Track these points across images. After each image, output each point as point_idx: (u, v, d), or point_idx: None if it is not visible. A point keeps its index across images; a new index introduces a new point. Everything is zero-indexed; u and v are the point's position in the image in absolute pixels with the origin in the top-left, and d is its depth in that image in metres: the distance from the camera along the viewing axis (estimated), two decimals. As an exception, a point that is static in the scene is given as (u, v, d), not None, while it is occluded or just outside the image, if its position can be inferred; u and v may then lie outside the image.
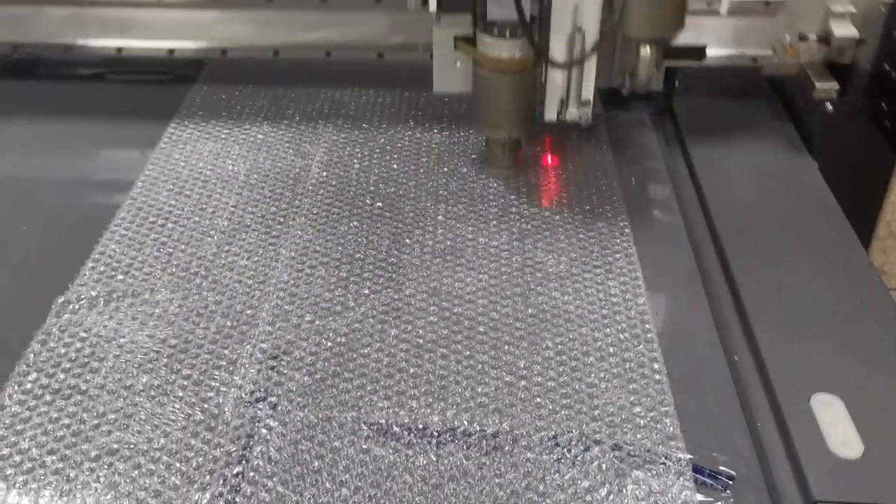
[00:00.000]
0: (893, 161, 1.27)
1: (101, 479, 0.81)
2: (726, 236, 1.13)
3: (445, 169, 1.27)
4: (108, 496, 0.80)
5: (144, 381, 0.92)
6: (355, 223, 1.15)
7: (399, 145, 1.33)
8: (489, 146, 1.25)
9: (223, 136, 1.34)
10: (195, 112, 1.40)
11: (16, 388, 0.91)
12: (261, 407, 0.89)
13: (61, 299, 1.02)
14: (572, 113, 1.16)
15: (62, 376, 0.92)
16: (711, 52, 1.27)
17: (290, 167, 1.27)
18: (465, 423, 0.87)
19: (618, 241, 1.12)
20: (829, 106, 1.29)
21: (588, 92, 1.15)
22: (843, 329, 0.99)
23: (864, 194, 1.33)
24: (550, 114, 1.17)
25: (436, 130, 1.36)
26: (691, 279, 1.08)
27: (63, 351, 0.95)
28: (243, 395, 0.90)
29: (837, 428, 0.87)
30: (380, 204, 1.19)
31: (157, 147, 1.31)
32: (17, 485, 0.81)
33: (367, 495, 0.80)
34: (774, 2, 1.28)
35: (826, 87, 1.27)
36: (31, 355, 0.95)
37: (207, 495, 0.80)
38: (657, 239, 1.16)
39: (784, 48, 1.30)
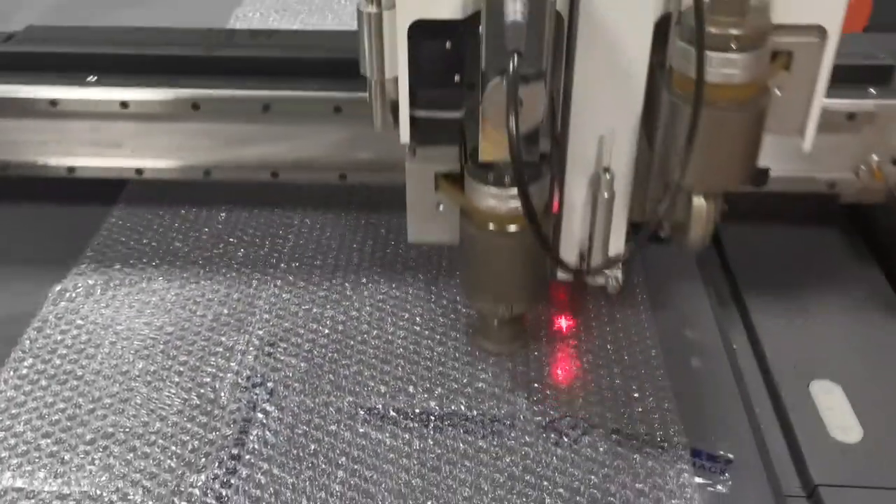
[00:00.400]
0: None
1: (96, 462, 0.81)
2: None
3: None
4: (103, 478, 0.79)
5: (140, 366, 0.91)
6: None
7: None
8: (482, 317, 0.94)
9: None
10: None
11: (11, 373, 0.90)
12: (257, 392, 0.89)
13: (58, 287, 1.02)
14: (597, 270, 0.88)
15: (58, 362, 0.92)
16: (772, 174, 0.88)
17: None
18: (463, 407, 0.87)
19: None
20: None
21: (618, 245, 0.87)
22: (843, 317, 0.98)
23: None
24: (564, 273, 0.89)
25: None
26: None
27: (59, 337, 0.95)
28: (240, 380, 0.90)
29: (836, 413, 0.87)
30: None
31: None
32: (12, 467, 0.80)
33: (364, 477, 0.80)
34: (860, 114, 0.99)
35: None
36: (27, 342, 0.94)
37: (203, 477, 0.79)
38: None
39: (871, 170, 1.01)
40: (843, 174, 1.02)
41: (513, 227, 0.80)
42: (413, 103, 0.77)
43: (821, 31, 0.74)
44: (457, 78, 0.78)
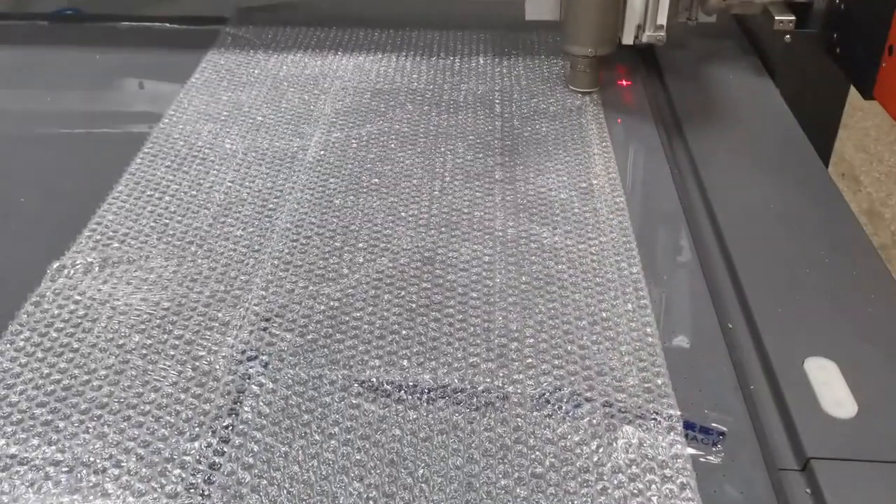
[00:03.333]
0: (846, 85, 1.47)
1: (91, 431, 0.81)
2: (707, 177, 1.20)
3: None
4: (97, 446, 0.80)
5: (136, 340, 0.92)
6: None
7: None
8: (573, 66, 1.40)
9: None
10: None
11: (8, 345, 0.91)
12: (252, 365, 0.89)
13: (56, 264, 1.02)
14: (650, 36, 1.30)
15: (55, 335, 0.92)
16: None
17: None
18: (456, 381, 0.87)
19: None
20: (787, 38, 1.41)
21: (662, 18, 1.29)
22: (837, 293, 0.98)
23: (822, 116, 1.50)
24: (628, 38, 1.31)
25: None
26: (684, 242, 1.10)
27: (56, 312, 0.96)
28: (235, 354, 0.90)
29: (831, 389, 0.87)
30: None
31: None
32: (6, 434, 0.81)
33: (356, 447, 0.80)
34: None
35: (785, 19, 1.39)
36: (25, 316, 0.95)
37: (196, 445, 0.80)
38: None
39: None
40: None
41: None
42: None
43: None
44: None
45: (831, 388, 0.87)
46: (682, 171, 1.25)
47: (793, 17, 1.39)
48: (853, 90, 1.42)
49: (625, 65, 1.52)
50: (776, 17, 1.39)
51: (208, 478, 0.77)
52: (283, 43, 1.60)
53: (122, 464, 0.78)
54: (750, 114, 1.38)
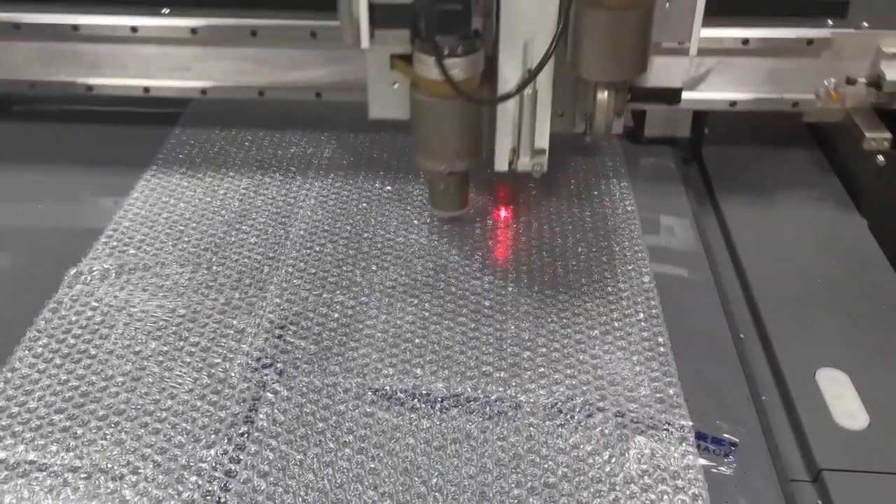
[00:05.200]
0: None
1: (108, 437, 0.82)
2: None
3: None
4: (114, 452, 0.81)
5: (153, 347, 0.93)
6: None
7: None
8: (431, 181, 1.10)
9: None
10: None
11: (26, 352, 0.92)
12: (267, 373, 0.90)
13: (73, 271, 1.03)
14: (524, 163, 1.03)
15: (72, 341, 0.93)
16: (743, 95, 1.17)
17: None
18: (469, 389, 0.87)
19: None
20: (880, 158, 1.13)
21: (542, 140, 1.02)
22: (849, 305, 0.99)
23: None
24: (501, 163, 1.04)
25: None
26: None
27: (74, 318, 0.97)
28: (250, 361, 0.91)
29: (843, 401, 0.87)
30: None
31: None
32: (25, 440, 0.82)
33: (370, 455, 0.80)
34: (818, 40, 1.13)
35: (877, 136, 1.10)
36: (43, 322, 0.96)
37: (212, 452, 0.81)
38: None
39: (828, 92, 1.15)
40: (805, 95, 1.17)
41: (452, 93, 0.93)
42: None
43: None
44: None
45: (843, 400, 0.87)
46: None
47: (888, 135, 1.10)
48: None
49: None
50: (867, 134, 1.11)
51: (224, 485, 0.78)
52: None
53: (140, 470, 0.79)
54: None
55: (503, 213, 1.15)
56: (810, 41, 1.13)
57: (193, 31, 1.19)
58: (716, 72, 1.14)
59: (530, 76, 0.94)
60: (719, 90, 1.17)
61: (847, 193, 1.19)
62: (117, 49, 1.22)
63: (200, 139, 1.31)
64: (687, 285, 1.05)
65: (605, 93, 0.97)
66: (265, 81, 1.22)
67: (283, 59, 1.21)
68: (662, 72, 1.09)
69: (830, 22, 1.15)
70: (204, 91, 1.24)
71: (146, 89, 1.24)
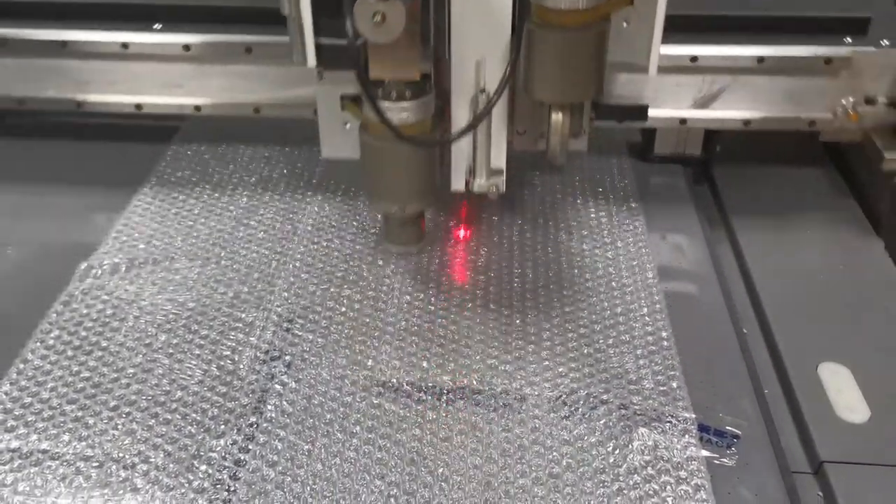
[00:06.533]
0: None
1: (119, 427, 0.84)
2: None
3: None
4: (126, 442, 0.82)
5: (163, 339, 0.94)
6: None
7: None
8: (385, 220, 1.07)
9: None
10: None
11: (38, 344, 0.93)
12: (275, 365, 0.91)
13: (84, 265, 1.05)
14: (480, 184, 1.00)
15: (84, 334, 0.95)
16: (757, 113, 1.12)
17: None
18: (475, 382, 0.89)
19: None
20: None
21: (499, 160, 0.99)
22: (851, 299, 1.00)
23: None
24: (458, 183, 1.01)
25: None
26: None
27: (85, 311, 0.98)
28: (259, 354, 0.92)
29: (844, 395, 0.88)
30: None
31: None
32: (38, 430, 0.83)
33: (378, 445, 0.82)
34: (837, 58, 1.09)
35: None
36: (55, 315, 0.97)
37: (222, 442, 0.82)
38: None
39: (847, 112, 1.11)
40: (822, 114, 1.13)
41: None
42: (317, 31, 0.87)
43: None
44: None
45: (844, 393, 0.88)
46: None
47: None
48: None
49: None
50: (886, 155, 1.06)
51: (234, 474, 0.79)
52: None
53: (151, 460, 0.80)
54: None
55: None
56: (828, 60, 1.09)
57: (186, 47, 1.14)
58: (730, 90, 1.09)
59: (482, 113, 0.91)
60: (733, 108, 1.12)
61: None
62: (106, 66, 1.17)
63: (209, 136, 1.33)
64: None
65: (559, 114, 0.94)
66: (260, 98, 1.17)
67: (277, 75, 1.14)
68: (628, 88, 1.06)
69: (849, 39, 1.11)
70: (198, 108, 1.18)
71: (138, 106, 1.19)
